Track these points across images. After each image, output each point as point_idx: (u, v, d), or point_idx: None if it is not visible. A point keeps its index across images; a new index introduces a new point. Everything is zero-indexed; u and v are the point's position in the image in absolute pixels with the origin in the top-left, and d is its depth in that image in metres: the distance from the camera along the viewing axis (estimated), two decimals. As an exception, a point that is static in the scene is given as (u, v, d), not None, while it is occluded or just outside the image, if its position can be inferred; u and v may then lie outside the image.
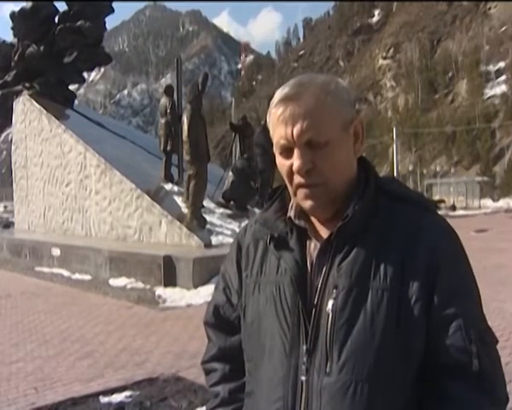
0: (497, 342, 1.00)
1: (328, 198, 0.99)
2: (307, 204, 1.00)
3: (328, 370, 0.94)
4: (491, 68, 71.76)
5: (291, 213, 1.06)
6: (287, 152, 0.99)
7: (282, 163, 1.01)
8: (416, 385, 0.96)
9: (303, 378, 0.96)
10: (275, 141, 1.01)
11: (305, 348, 0.96)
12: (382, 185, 1.04)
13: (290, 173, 1.00)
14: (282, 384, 0.97)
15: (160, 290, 8.07)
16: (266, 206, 1.11)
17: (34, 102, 15.29)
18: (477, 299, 1.00)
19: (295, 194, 1.01)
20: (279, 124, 0.98)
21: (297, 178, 0.99)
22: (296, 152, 0.97)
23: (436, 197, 40.76)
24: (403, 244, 0.97)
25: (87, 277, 9.94)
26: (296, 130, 0.96)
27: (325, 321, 0.95)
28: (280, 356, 0.98)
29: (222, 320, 1.18)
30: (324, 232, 1.02)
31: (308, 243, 1.03)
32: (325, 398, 0.93)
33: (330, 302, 0.96)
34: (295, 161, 0.97)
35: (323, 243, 1.00)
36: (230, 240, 9.53)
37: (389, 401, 0.94)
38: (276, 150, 1.02)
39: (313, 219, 1.05)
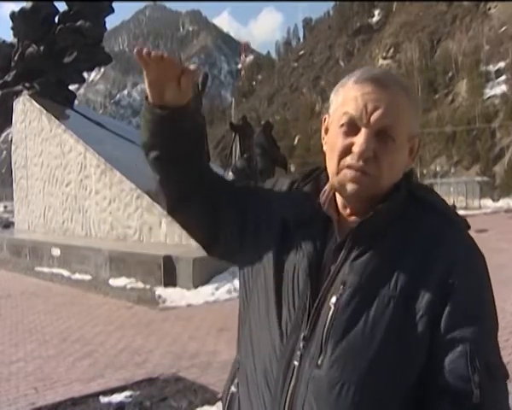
0: (507, 377, 0.93)
1: (370, 194, 0.97)
2: (349, 187, 0.96)
3: (319, 362, 0.93)
4: (491, 68, 71.74)
5: (321, 199, 1.04)
6: (350, 127, 0.96)
7: (338, 138, 0.97)
8: (408, 401, 0.93)
9: (296, 364, 0.95)
10: (342, 111, 0.97)
11: (303, 334, 0.96)
12: (414, 191, 1.01)
13: (344, 151, 0.96)
14: (278, 365, 0.97)
15: (159, 290, 8.07)
16: (300, 185, 1.09)
17: (34, 102, 15.28)
18: (492, 329, 0.95)
19: (338, 173, 0.97)
20: (358, 98, 0.95)
21: (352, 160, 0.95)
22: (364, 134, 0.94)
23: (436, 197, 40.55)
24: (421, 255, 0.94)
25: (87, 277, 9.94)
26: (377, 113, 0.94)
27: (326, 314, 0.94)
28: (280, 336, 0.98)
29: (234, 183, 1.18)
30: (348, 226, 1.00)
31: (330, 233, 1.01)
32: (311, 389, 0.93)
33: (334, 297, 0.94)
34: (360, 144, 0.94)
35: (343, 237, 0.98)
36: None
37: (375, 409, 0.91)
38: (336, 121, 0.99)
39: (340, 211, 1.03)
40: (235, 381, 1.11)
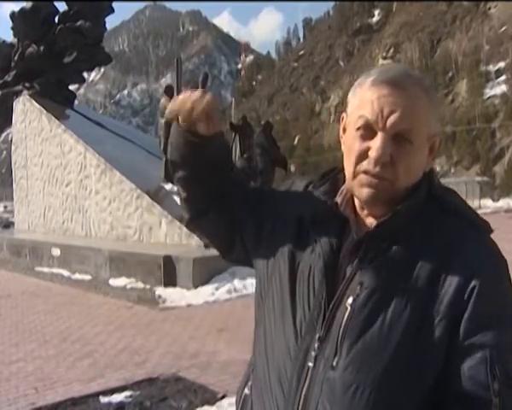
0: None
1: (387, 197, 0.95)
2: (365, 192, 0.95)
3: (334, 364, 0.91)
4: (491, 68, 71.70)
5: (338, 199, 1.03)
6: (366, 131, 0.94)
7: (355, 142, 0.96)
8: (424, 405, 0.91)
9: (310, 365, 0.94)
10: (358, 114, 0.96)
11: (318, 335, 0.94)
12: (435, 192, 0.99)
13: (361, 156, 0.95)
14: (292, 366, 0.96)
15: (159, 290, 8.07)
16: (317, 185, 1.08)
17: (34, 102, 15.28)
18: None
19: (355, 177, 0.96)
20: (374, 102, 0.93)
21: (368, 165, 0.94)
22: (380, 139, 0.93)
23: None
24: (441, 257, 0.92)
25: (87, 277, 9.94)
26: (393, 117, 0.92)
27: (342, 315, 0.93)
28: (295, 337, 0.97)
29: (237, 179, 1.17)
30: (365, 227, 0.99)
31: (347, 233, 1.00)
32: (325, 391, 0.91)
33: (351, 298, 0.93)
34: (376, 149, 0.92)
35: (359, 238, 0.97)
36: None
37: None
38: (353, 124, 0.97)
39: (358, 211, 1.01)
40: (249, 383, 1.10)
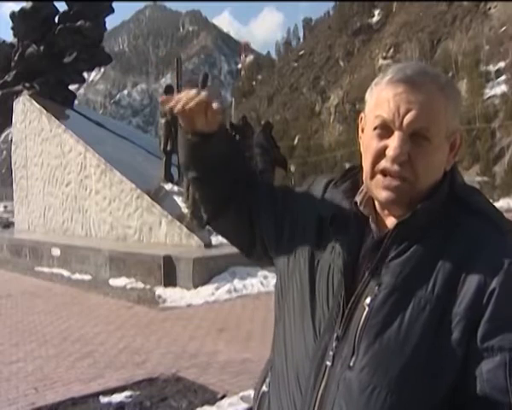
0: None
1: (408, 198, 0.93)
2: (384, 194, 0.94)
3: (351, 364, 0.91)
4: (491, 68, 71.70)
5: (358, 198, 1.02)
6: (384, 130, 0.93)
7: (372, 141, 0.95)
8: (442, 408, 0.90)
9: (328, 364, 0.94)
10: (374, 114, 0.95)
11: (336, 334, 0.94)
12: (458, 192, 0.97)
13: (378, 155, 0.94)
14: (310, 364, 0.96)
15: (159, 290, 8.07)
16: (338, 184, 1.08)
17: (34, 102, 15.29)
18: None
19: (373, 178, 0.95)
20: (390, 100, 0.93)
21: (386, 164, 0.93)
22: (397, 137, 0.91)
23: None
24: (462, 259, 0.90)
25: (87, 277, 9.95)
26: (410, 115, 0.91)
27: (359, 315, 0.92)
28: (313, 335, 0.97)
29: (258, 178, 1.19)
30: (385, 226, 0.98)
31: (367, 232, 0.99)
32: (342, 390, 0.91)
33: (369, 298, 0.92)
34: (394, 148, 0.91)
35: (379, 237, 0.96)
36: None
37: None
38: (370, 123, 0.97)
39: (378, 210, 1.00)
40: (267, 380, 1.10)
